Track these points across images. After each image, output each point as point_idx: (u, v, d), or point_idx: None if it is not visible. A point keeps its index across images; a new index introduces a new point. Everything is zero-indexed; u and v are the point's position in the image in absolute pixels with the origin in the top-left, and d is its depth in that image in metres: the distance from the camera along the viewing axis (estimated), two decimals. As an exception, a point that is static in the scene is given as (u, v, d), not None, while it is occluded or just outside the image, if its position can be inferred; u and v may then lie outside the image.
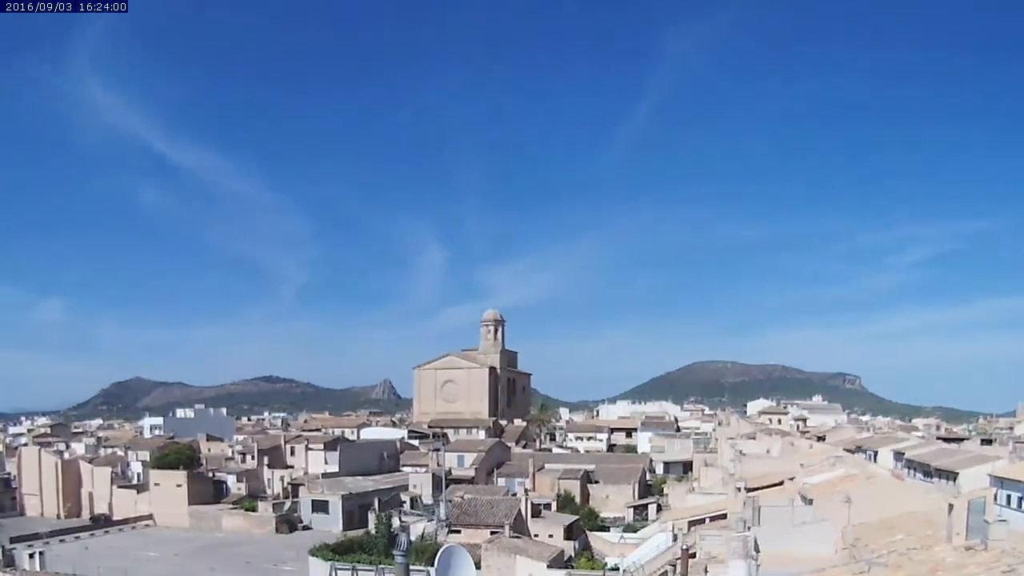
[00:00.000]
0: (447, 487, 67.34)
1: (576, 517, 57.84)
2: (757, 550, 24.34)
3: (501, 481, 77.67)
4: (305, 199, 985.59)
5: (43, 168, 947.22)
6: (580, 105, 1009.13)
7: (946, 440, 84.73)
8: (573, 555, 48.83)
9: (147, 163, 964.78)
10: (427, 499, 71.07)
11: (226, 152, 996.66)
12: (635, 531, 56.69)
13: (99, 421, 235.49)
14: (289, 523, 71.93)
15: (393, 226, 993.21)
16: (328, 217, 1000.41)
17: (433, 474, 74.64)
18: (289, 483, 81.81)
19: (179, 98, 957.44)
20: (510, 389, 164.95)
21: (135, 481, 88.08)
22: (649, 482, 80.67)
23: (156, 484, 79.37)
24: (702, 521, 43.98)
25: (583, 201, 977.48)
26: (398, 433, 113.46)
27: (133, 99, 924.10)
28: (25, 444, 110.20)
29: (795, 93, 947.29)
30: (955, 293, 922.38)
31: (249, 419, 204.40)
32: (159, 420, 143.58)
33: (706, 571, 27.11)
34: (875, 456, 68.24)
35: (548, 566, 41.84)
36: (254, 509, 75.46)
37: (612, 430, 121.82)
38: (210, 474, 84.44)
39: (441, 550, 11.46)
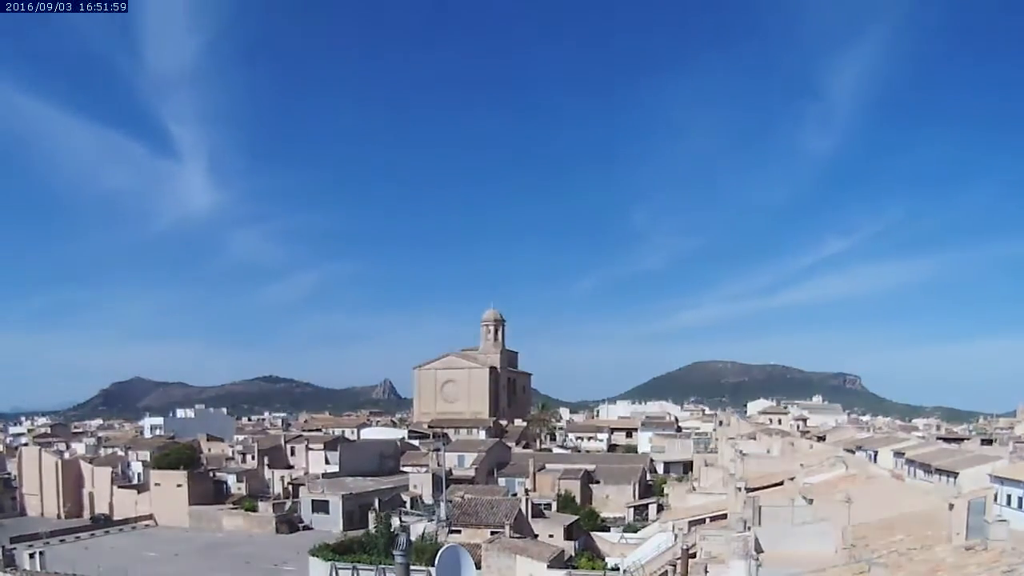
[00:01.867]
0: (447, 487, 67.23)
1: (576, 517, 57.73)
2: (758, 550, 24.35)
3: (502, 481, 77.68)
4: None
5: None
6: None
7: (946, 440, 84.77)
8: (574, 555, 48.76)
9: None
10: (427, 499, 70.95)
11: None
12: (635, 531, 56.61)
13: (99, 421, 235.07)
14: (289, 523, 71.97)
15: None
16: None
17: (433, 474, 74.56)
18: (289, 483, 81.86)
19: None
20: (510, 389, 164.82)
21: (135, 481, 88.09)
22: (649, 482, 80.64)
23: (156, 484, 79.42)
24: (702, 521, 43.97)
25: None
26: (398, 433, 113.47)
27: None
28: (25, 444, 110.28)
29: None
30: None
31: (249, 419, 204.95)
32: (159, 420, 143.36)
33: (706, 571, 27.08)
34: (875, 456, 68.28)
35: (549, 566, 41.81)
36: (254, 509, 75.48)
37: (612, 430, 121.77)
38: (210, 474, 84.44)
39: (441, 550, 11.44)
